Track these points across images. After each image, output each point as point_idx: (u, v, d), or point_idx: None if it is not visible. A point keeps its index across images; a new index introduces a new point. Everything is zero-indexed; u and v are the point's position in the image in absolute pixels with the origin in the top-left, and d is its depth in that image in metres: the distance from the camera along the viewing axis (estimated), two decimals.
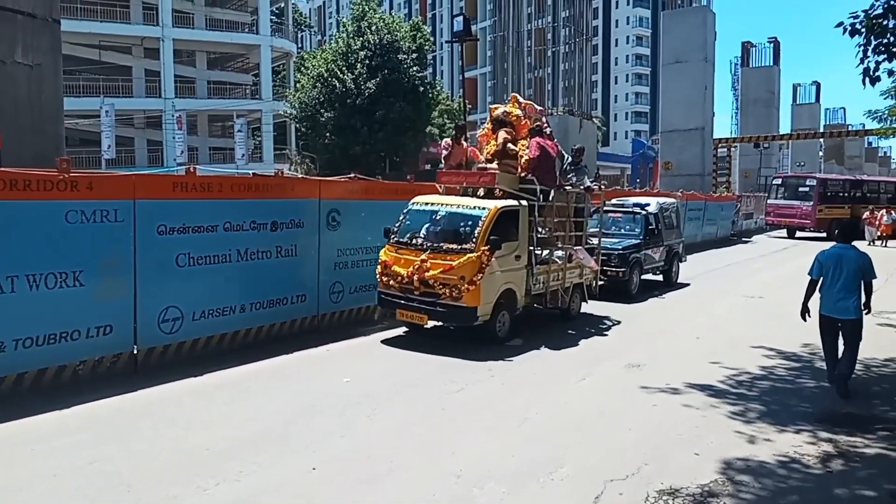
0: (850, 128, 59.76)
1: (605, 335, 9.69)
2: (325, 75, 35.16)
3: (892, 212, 28.41)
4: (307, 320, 9.09)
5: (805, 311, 6.93)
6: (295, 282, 8.82)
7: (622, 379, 7.24)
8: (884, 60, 7.90)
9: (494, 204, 8.62)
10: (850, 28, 7.85)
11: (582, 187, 10.35)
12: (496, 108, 10.27)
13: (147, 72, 38.77)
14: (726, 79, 76.01)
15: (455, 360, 7.86)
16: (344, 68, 34.78)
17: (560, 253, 9.74)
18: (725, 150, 44.39)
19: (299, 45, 61.61)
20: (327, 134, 35.30)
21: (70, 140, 31.01)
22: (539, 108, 10.47)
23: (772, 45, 53.80)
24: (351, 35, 35.85)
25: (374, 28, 35.46)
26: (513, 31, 31.39)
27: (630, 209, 14.04)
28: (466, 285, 8.04)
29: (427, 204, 9.18)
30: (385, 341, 8.86)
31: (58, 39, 10.55)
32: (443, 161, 10.12)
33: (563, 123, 28.92)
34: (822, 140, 70.72)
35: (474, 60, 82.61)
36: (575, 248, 9.97)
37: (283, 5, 48.01)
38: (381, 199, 10.11)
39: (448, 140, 10.28)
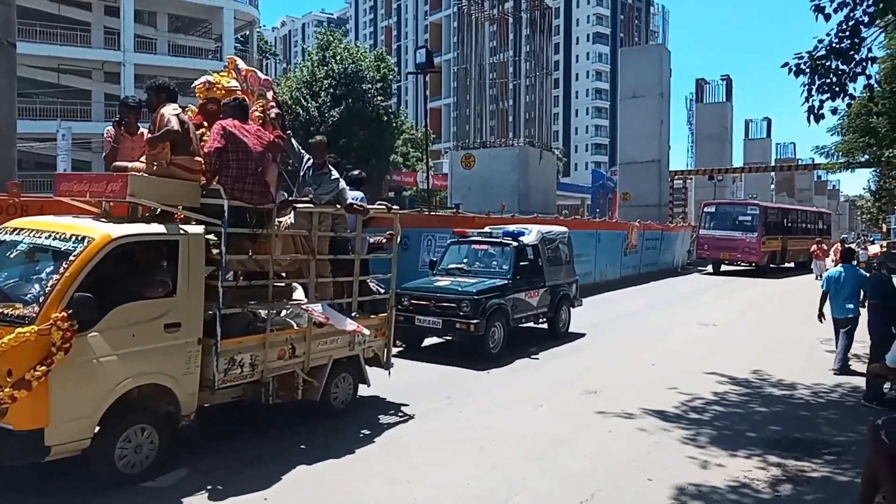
0: (799, 162, 62.00)
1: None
2: (290, 103, 35.20)
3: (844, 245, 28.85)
4: None
5: (821, 315, 9.27)
6: None
7: (579, 406, 7.30)
8: (827, 99, 8.24)
9: (104, 231, 4.84)
10: (795, 68, 8.20)
11: (340, 206, 6.57)
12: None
13: (107, 96, 38.25)
14: (682, 113, 78.61)
15: (413, 389, 7.82)
16: (308, 96, 34.91)
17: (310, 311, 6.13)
18: (681, 181, 45.60)
19: (264, 73, 61.58)
20: (290, 161, 35.22)
21: (25, 164, 30.31)
22: (264, 76, 7.02)
23: (724, 82, 55.70)
24: (315, 64, 36.06)
25: (338, 58, 35.75)
26: (475, 64, 31.94)
27: (496, 240, 10.88)
28: (12, 389, 4.22)
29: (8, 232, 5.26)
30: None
31: (13, 62, 10.39)
32: (104, 160, 6.09)
33: (524, 154, 29.40)
34: (773, 173, 73.15)
35: (439, 91, 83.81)
36: (309, 305, 6.12)
37: (247, 33, 48.08)
38: None
39: (110, 128, 6.04)
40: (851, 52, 8.10)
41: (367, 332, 6.71)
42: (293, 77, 38.73)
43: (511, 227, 11.44)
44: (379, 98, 36.42)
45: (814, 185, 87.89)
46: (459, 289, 9.54)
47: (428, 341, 10.24)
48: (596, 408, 7.13)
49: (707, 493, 4.97)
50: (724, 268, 27.07)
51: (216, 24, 42.76)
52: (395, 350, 8.68)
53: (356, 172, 8.00)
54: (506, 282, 10.02)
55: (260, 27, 56.50)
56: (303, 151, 6.94)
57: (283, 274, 6.48)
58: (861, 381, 8.00)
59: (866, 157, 23.00)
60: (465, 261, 10.72)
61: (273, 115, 6.44)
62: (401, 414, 6.87)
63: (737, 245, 26.00)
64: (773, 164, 66.70)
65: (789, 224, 29.48)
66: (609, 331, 12.56)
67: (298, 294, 6.46)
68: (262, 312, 5.96)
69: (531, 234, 11.20)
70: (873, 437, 4.11)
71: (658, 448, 5.96)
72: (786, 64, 8.26)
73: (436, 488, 5.02)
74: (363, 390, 7.09)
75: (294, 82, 36.85)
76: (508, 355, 9.63)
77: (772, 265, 27.21)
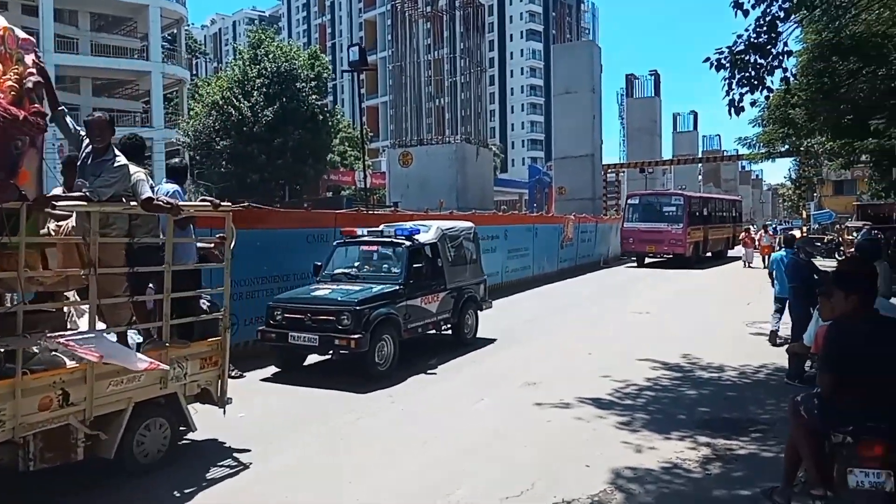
0: (724, 153, 64.39)
1: None
2: (221, 103, 34.41)
3: (770, 231, 28.56)
4: None
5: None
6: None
7: (518, 398, 7.42)
8: (746, 92, 8.58)
9: None
10: (716, 63, 8.51)
11: (135, 201, 4.97)
12: None
13: None
14: (614, 109, 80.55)
15: (355, 389, 7.78)
16: (240, 96, 34.19)
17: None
18: (614, 175, 46.78)
19: (193, 72, 59.87)
20: (223, 162, 34.43)
21: None
22: (24, 36, 5.12)
23: (653, 77, 57.50)
24: (247, 63, 35.34)
25: (271, 56, 35.12)
26: (411, 62, 31.93)
27: (387, 240, 9.57)
28: None
29: None
30: (279, 375, 8.65)
31: None
32: None
33: (461, 151, 29.61)
34: (700, 165, 75.86)
35: (375, 89, 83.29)
36: (73, 338, 4.60)
37: (175, 31, 46.65)
38: (276, 228, 9.95)
39: None
40: (769, 47, 8.47)
41: (165, 367, 5.06)
42: (225, 76, 37.85)
43: (408, 225, 10.22)
44: (314, 97, 35.98)
45: (738, 176, 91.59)
46: (339, 298, 8.29)
47: (312, 359, 8.97)
48: (535, 399, 7.26)
49: (642, 476, 5.13)
50: (646, 260, 26.24)
51: (142, 22, 41.34)
52: (270, 372, 8.46)
53: (175, 161, 7.19)
54: (397, 287, 8.77)
55: (188, 25, 54.90)
56: (82, 133, 5.09)
57: (69, 295, 5.22)
58: (785, 361, 8.40)
59: (786, 146, 24.12)
60: (354, 265, 9.62)
61: (31, 85, 4.55)
62: (233, 465, 5.46)
63: (663, 237, 25.05)
64: (700, 155, 69.20)
65: (709, 213, 28.66)
66: (549, 323, 12.78)
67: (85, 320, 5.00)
68: (35, 348, 4.56)
69: (429, 231, 9.98)
70: (793, 412, 4.32)
71: (595, 435, 6.12)
72: (707, 59, 8.57)
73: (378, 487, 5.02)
74: (197, 433, 5.69)
75: (226, 81, 36.04)
76: (402, 371, 8.42)
77: (696, 256, 26.31)
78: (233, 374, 6.68)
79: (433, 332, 9.83)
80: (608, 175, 43.69)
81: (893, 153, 17.43)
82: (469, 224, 11.43)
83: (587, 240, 24.84)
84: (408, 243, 9.31)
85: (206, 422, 5.78)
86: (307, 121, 34.92)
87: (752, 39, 8.40)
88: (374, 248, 9.74)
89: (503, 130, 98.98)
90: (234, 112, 33.78)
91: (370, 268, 9.59)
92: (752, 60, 8.45)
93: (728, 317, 12.84)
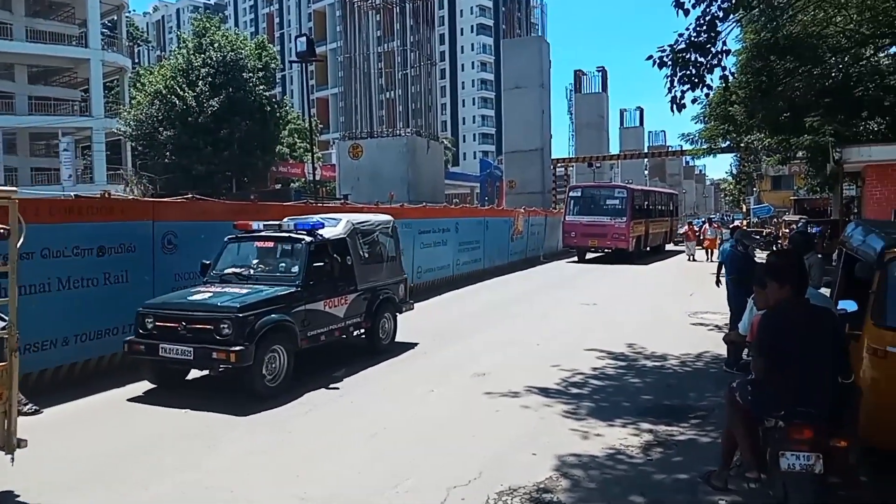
0: (669, 149, 66.10)
1: None
2: (164, 92, 33.43)
3: (714, 225, 28.09)
4: None
5: (718, 282, 9.59)
6: (127, 310, 8.24)
7: (468, 388, 7.48)
8: (688, 90, 8.82)
9: None
10: (658, 61, 8.70)
11: None
12: None
13: None
14: (563, 104, 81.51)
15: (303, 382, 7.72)
16: (184, 85, 33.27)
17: None
18: (563, 169, 47.46)
19: (135, 60, 58.06)
20: (167, 153, 33.50)
21: None
22: None
23: (600, 73, 58.48)
24: (192, 51, 34.42)
25: (216, 45, 34.28)
26: (360, 53, 31.67)
27: (285, 235, 8.42)
28: None
29: None
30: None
31: None
32: None
33: (412, 144, 29.57)
34: (646, 160, 77.63)
35: (325, 81, 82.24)
36: None
37: (115, 18, 45.08)
38: (223, 221, 9.73)
39: None
40: (708, 46, 8.71)
41: None
42: (168, 65, 36.79)
43: (314, 218, 9.01)
44: (261, 87, 35.32)
45: (683, 171, 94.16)
46: (219, 304, 7.08)
47: (195, 373, 7.74)
48: (484, 389, 7.34)
49: (586, 462, 5.25)
50: (587, 255, 25.43)
51: (80, 8, 39.87)
52: (143, 389, 7.28)
53: None
54: (293, 289, 7.65)
55: (129, 12, 53.13)
56: None
57: None
58: (724, 350, 8.69)
59: (727, 143, 24.95)
60: (248, 264, 8.39)
61: None
62: None
63: (606, 231, 24.04)
64: (645, 150, 70.79)
65: (649, 207, 27.97)
66: (499, 315, 12.89)
67: None
68: None
69: (337, 225, 8.94)
70: (729, 399, 4.49)
71: (542, 423, 6.23)
72: (650, 57, 8.76)
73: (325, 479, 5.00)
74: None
75: (169, 70, 35.02)
76: (299, 386, 7.30)
77: (638, 251, 25.26)
78: (26, 409, 5.78)
79: (342, 338, 8.70)
80: (557, 169, 44.30)
81: (828, 150, 18.16)
82: (387, 217, 10.36)
83: (536, 233, 25.17)
84: (309, 239, 8.14)
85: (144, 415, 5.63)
86: (254, 112, 34.26)
87: (692, 38, 8.62)
88: (271, 244, 8.50)
89: (454, 124, 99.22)
90: (178, 102, 32.87)
91: (265, 267, 8.33)
92: (692, 59, 8.67)
93: (672, 308, 13.20)
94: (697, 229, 27.41)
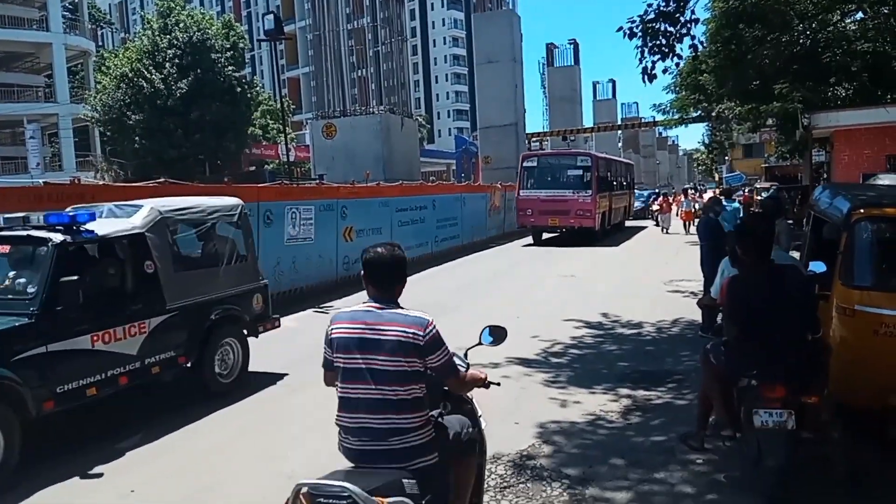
0: (642, 120, 66.39)
1: None
2: (131, 75, 32.76)
3: (689, 197, 26.43)
4: None
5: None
6: None
7: None
8: (658, 60, 8.87)
9: None
10: (628, 32, 8.74)
11: None
12: None
13: None
14: (536, 77, 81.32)
15: (287, 362, 7.74)
16: (151, 68, 32.63)
17: None
18: (538, 143, 47.54)
19: (99, 43, 56.66)
20: (137, 138, 32.90)
21: None
22: None
23: (572, 46, 58.37)
24: (157, 33, 33.69)
25: (182, 25, 33.57)
26: (330, 31, 31.23)
27: (18, 234, 5.58)
28: None
29: None
30: None
31: None
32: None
33: (385, 122, 29.34)
34: (620, 132, 77.97)
35: (295, 60, 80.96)
36: None
37: (77, 0, 43.86)
38: None
39: None
40: (677, 15, 8.76)
41: None
42: (133, 47, 35.98)
43: (86, 207, 6.36)
44: (230, 68, 34.72)
45: (656, 142, 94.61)
46: None
47: None
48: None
49: (567, 429, 5.37)
50: (544, 236, 21.97)
51: None
52: None
53: None
54: (25, 321, 5.01)
55: None
56: None
57: None
58: (699, 316, 8.87)
59: (698, 112, 25.15)
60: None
61: None
62: None
63: (568, 207, 20.50)
64: (619, 122, 71.05)
65: (611, 179, 24.59)
66: (479, 290, 12.98)
67: None
68: None
69: (133, 215, 6.19)
70: (704, 361, 4.61)
71: (523, 393, 6.33)
72: (620, 28, 8.80)
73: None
74: None
75: (135, 52, 34.26)
76: (38, 477, 4.78)
77: (602, 229, 22.03)
78: None
79: (140, 384, 6.00)
80: (532, 143, 44.33)
81: (796, 116, 18.41)
82: (231, 201, 7.32)
83: (514, 207, 25.24)
84: (57, 239, 5.31)
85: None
86: (225, 93, 33.72)
87: (661, 8, 8.66)
88: (5, 248, 5.61)
89: (428, 101, 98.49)
90: (145, 84, 32.22)
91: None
92: (662, 29, 8.72)
93: (648, 277, 13.38)
94: (669, 200, 27.19)
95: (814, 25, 16.79)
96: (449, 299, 11.76)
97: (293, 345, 8.12)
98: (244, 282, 7.12)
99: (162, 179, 9.59)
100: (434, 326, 2.85)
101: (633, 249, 20.31)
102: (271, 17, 21.74)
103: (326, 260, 13.02)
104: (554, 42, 62.25)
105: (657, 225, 26.64)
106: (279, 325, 7.73)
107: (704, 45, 13.64)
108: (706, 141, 59.92)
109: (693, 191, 28.02)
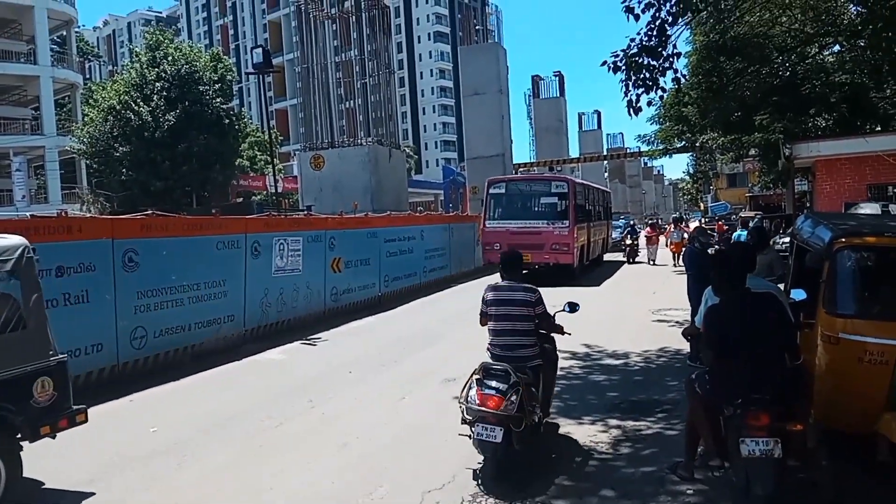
0: (627, 150, 67.19)
1: None
2: (118, 107, 32.85)
3: (679, 228, 24.24)
4: (105, 371, 8.36)
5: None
6: (88, 330, 8.10)
7: (439, 393, 7.52)
8: (643, 93, 9.02)
9: None
10: (612, 66, 8.88)
11: None
12: None
13: None
14: (522, 109, 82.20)
15: (273, 395, 7.68)
16: (139, 100, 32.74)
17: None
18: (525, 173, 47.92)
19: (86, 76, 56.88)
20: (124, 170, 32.88)
21: None
22: None
23: (557, 78, 59.15)
24: (145, 65, 33.91)
25: (170, 58, 33.82)
26: (318, 63, 31.55)
27: None
28: None
29: None
30: (197, 384, 8.42)
31: None
32: None
33: (374, 153, 29.53)
34: (606, 162, 78.80)
35: (283, 92, 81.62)
36: None
37: (65, 33, 44.09)
38: (183, 236, 9.65)
39: None
40: (660, 49, 8.94)
41: None
42: (121, 79, 36.14)
43: None
44: (218, 100, 34.94)
45: (641, 172, 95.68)
46: None
47: None
48: (453, 393, 7.38)
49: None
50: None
51: (27, 24, 38.95)
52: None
53: None
54: None
55: (79, 27, 52.04)
56: None
57: None
58: (686, 345, 8.89)
59: (682, 143, 25.51)
60: None
61: None
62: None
63: (543, 240, 18.02)
64: (605, 153, 71.87)
65: (589, 207, 21.91)
66: (466, 320, 12.90)
67: None
68: None
69: None
70: (689, 390, 4.63)
71: None
72: (605, 62, 8.95)
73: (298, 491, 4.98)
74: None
75: (122, 85, 34.41)
76: None
77: (581, 265, 19.64)
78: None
79: None
80: (520, 173, 44.66)
81: (778, 146, 18.73)
82: (12, 241, 5.11)
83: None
84: None
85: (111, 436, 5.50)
86: (212, 125, 33.87)
87: (644, 43, 8.83)
88: None
89: (416, 132, 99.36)
90: (133, 117, 32.32)
91: None
92: (645, 63, 8.88)
93: (635, 307, 13.42)
94: (651, 232, 25.19)
95: (793, 58, 17.20)
96: (438, 329, 11.75)
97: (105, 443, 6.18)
98: (20, 360, 4.84)
99: (150, 211, 9.57)
100: (538, 292, 5.44)
101: (619, 287, 18.04)
102: (260, 50, 21.90)
103: (315, 291, 12.97)
104: (539, 74, 63.41)
105: (626, 259, 24.91)
106: (86, 420, 5.35)
107: (686, 77, 13.91)
108: (691, 171, 60.70)
109: (680, 221, 26.53)
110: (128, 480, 5.30)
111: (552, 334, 5.75)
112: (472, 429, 4.99)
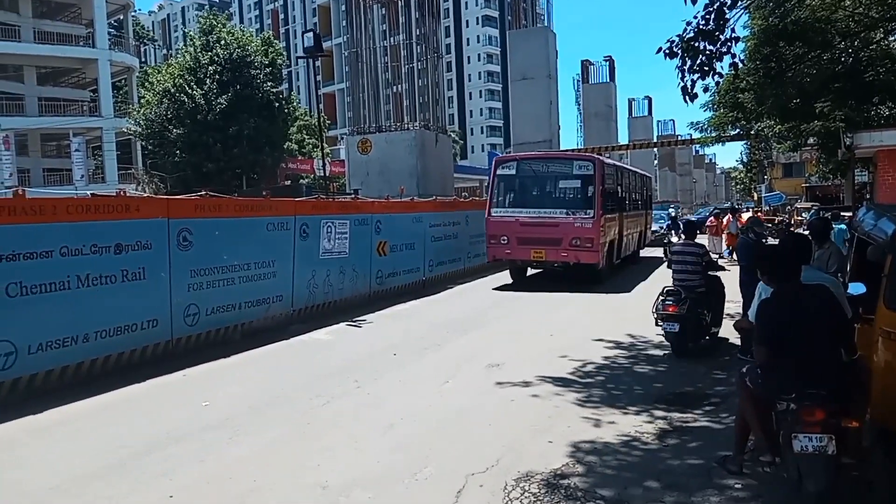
0: (679, 137, 65.75)
1: None
2: (173, 90, 33.65)
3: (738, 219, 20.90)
4: (160, 346, 8.66)
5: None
6: (145, 306, 8.39)
7: (482, 378, 7.55)
8: (699, 79, 8.81)
9: None
10: (668, 52, 8.69)
11: None
12: None
13: None
14: (570, 94, 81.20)
15: (320, 374, 7.83)
16: (193, 83, 33.48)
17: None
18: None
19: (142, 60, 58.36)
20: (177, 151, 33.74)
21: None
22: None
23: (608, 63, 58.24)
24: (199, 49, 34.60)
25: (223, 42, 34.43)
26: (367, 48, 31.64)
27: None
28: None
29: None
30: (247, 362, 8.64)
31: None
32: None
33: (420, 138, 29.54)
34: (656, 149, 77.24)
35: (332, 76, 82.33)
36: None
37: (122, 17, 45.29)
38: (235, 217, 9.88)
39: None
40: (717, 33, 8.70)
41: None
42: (176, 63, 36.97)
43: None
44: (269, 84, 35.46)
45: (693, 160, 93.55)
46: None
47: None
48: (497, 379, 7.41)
49: (601, 449, 5.32)
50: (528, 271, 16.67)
51: (86, 8, 40.14)
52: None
53: None
54: None
55: (135, 11, 53.36)
56: None
57: None
58: (735, 338, 8.72)
59: (736, 130, 24.78)
60: None
61: None
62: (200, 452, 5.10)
63: (561, 234, 14.77)
64: (655, 140, 70.44)
65: (623, 194, 18.51)
66: (511, 307, 12.93)
67: None
68: None
69: None
70: (740, 384, 4.55)
71: (556, 412, 6.29)
72: (660, 49, 8.75)
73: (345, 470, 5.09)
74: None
75: (177, 69, 35.20)
76: None
77: (609, 264, 16.28)
78: None
79: None
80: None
81: (839, 135, 18.06)
82: None
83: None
84: None
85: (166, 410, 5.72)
86: (262, 108, 34.42)
87: (700, 27, 8.61)
88: None
89: (462, 117, 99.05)
90: (186, 100, 33.07)
91: None
92: (701, 47, 8.67)
93: None
94: (714, 221, 22.52)
95: (856, 43, 16.50)
96: (482, 315, 11.78)
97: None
98: None
99: (203, 192, 9.82)
100: (704, 247, 9.10)
101: (652, 295, 12.06)
102: (310, 35, 22.06)
103: (360, 274, 13.13)
104: (589, 59, 62.28)
105: (666, 261, 17.90)
106: None
107: (743, 62, 13.48)
108: (745, 159, 59.01)
109: (735, 211, 23.40)
110: (183, 451, 5.49)
111: (717, 273, 9.17)
112: (660, 324, 8.42)
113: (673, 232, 24.04)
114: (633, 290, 14.78)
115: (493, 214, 15.74)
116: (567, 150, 26.08)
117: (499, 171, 16.11)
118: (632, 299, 13.46)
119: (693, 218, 26.27)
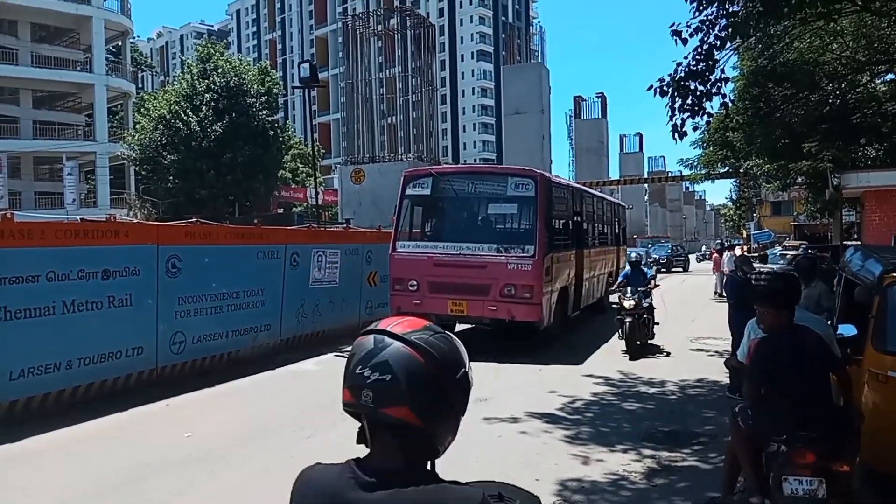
0: (669, 174, 66.32)
1: None
2: (168, 117, 33.80)
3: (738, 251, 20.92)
4: (145, 374, 8.54)
5: None
6: (130, 333, 8.30)
7: (469, 413, 7.45)
8: (688, 117, 8.94)
9: None
10: (658, 90, 8.83)
11: None
12: None
13: None
14: (563, 129, 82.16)
15: (306, 406, 7.73)
16: (188, 110, 33.65)
17: None
18: None
19: (139, 86, 58.69)
20: (171, 177, 33.75)
21: None
22: None
23: (599, 99, 59.05)
24: (196, 77, 34.86)
25: (220, 70, 34.73)
26: (362, 79, 31.97)
27: None
28: None
29: None
30: (232, 392, 8.53)
31: None
32: None
33: (413, 168, 29.66)
34: (646, 185, 77.96)
35: (327, 106, 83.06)
36: None
37: (120, 44, 45.66)
38: (225, 245, 9.84)
39: None
40: (707, 74, 8.85)
41: None
42: (172, 90, 37.22)
43: None
44: (264, 112, 35.69)
45: (682, 196, 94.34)
46: None
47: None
48: (485, 414, 7.33)
49: (588, 488, 5.24)
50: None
51: (85, 34, 40.44)
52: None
53: None
54: None
55: (134, 38, 53.82)
56: None
57: None
58: (724, 376, 8.69)
59: (726, 168, 25.13)
60: None
61: None
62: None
63: (490, 279, 10.68)
64: (645, 176, 71.14)
65: (583, 223, 14.53)
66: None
67: None
68: None
69: None
70: (733, 422, 4.51)
71: (544, 448, 6.22)
72: (651, 87, 8.89)
73: None
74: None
75: (173, 95, 35.42)
76: None
77: (560, 320, 11.99)
78: None
79: None
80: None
81: (826, 175, 18.29)
82: None
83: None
84: None
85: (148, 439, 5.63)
86: (257, 136, 34.59)
87: (691, 67, 8.76)
88: None
89: (455, 149, 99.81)
90: (182, 126, 33.22)
91: None
92: (692, 87, 8.81)
93: (672, 333, 13.17)
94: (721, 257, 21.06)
95: (843, 85, 16.83)
96: (470, 345, 11.66)
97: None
98: None
99: (195, 219, 9.79)
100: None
101: (611, 366, 10.04)
102: (307, 65, 22.34)
103: (350, 304, 13.07)
104: (581, 95, 63.23)
105: (625, 345, 11.20)
106: None
107: (733, 102, 13.72)
108: (734, 197, 59.55)
109: (730, 248, 22.79)
110: (164, 483, 5.37)
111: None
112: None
113: (630, 290, 11.57)
114: (585, 361, 10.67)
115: (399, 250, 11.46)
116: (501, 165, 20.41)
117: (408, 191, 11.82)
118: (576, 377, 9.38)
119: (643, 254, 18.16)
